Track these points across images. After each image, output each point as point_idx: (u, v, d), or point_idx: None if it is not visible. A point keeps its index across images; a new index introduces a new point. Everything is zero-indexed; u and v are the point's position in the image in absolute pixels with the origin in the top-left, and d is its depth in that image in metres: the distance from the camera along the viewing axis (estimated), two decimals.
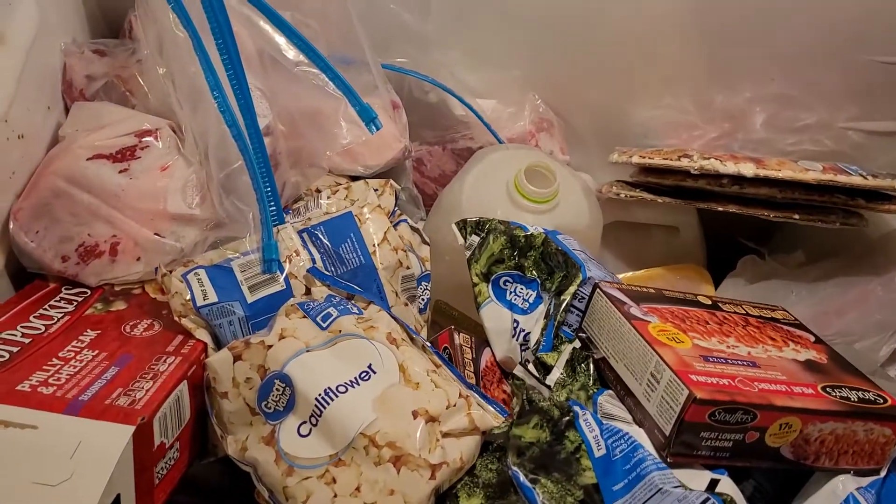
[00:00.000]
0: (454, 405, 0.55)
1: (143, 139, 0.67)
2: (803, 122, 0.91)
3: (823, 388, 0.53)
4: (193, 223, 0.68)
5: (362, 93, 0.74)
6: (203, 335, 0.61)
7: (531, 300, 0.66)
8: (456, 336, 0.69)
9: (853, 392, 0.54)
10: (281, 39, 0.70)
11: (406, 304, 0.68)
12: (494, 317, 0.68)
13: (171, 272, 0.62)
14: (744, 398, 0.49)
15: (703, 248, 0.96)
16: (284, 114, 0.73)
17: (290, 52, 0.72)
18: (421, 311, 0.71)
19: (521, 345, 0.65)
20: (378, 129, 0.71)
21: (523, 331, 0.65)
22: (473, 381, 0.66)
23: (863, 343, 0.84)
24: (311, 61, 0.71)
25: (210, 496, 0.69)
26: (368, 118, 0.71)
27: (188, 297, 0.61)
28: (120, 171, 0.65)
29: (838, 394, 0.53)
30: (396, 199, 0.73)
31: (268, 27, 0.70)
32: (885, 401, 0.55)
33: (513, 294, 0.67)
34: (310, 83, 0.72)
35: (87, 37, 0.81)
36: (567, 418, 0.50)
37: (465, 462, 0.54)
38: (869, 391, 0.55)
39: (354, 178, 0.79)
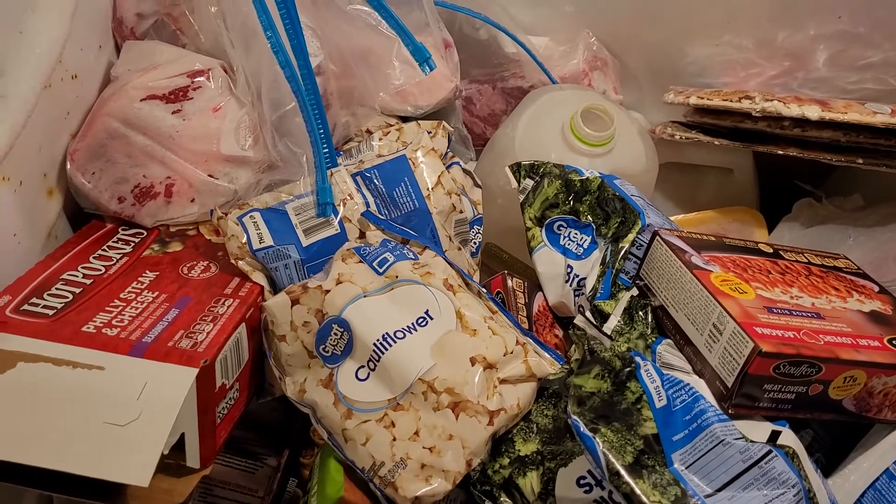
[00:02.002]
0: (511, 352, 0.55)
1: (196, 79, 0.66)
2: (867, 60, 0.87)
3: (889, 341, 0.52)
4: (246, 165, 0.67)
5: (414, 31, 0.72)
6: (259, 278, 0.62)
7: (585, 245, 0.66)
8: (509, 280, 0.69)
9: None
10: None
11: (459, 249, 0.68)
12: (548, 261, 0.67)
13: (226, 215, 0.63)
14: (809, 351, 0.49)
15: (757, 191, 0.94)
16: (336, 53, 0.71)
17: None
18: (473, 254, 0.71)
19: (575, 290, 0.65)
20: (432, 69, 0.69)
21: (577, 276, 0.65)
22: (526, 326, 0.66)
23: None
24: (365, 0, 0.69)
25: (264, 431, 0.71)
26: (422, 58, 0.69)
27: (244, 239, 0.61)
28: (173, 112, 0.65)
29: None
30: (449, 140, 0.72)
31: None
32: None
33: (567, 239, 0.67)
34: (363, 22, 0.71)
35: None
36: (629, 369, 0.50)
37: (522, 408, 0.55)
38: None
39: (404, 119, 0.77)
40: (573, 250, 0.66)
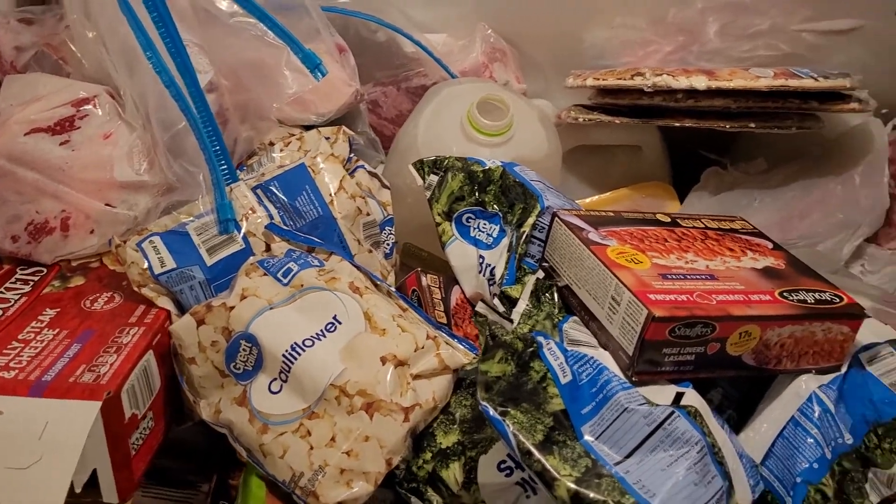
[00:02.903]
0: (422, 347, 0.55)
1: (82, 108, 0.65)
2: (757, 27, 0.90)
3: (780, 294, 0.54)
4: (144, 190, 0.66)
5: (305, 39, 0.72)
6: (165, 303, 0.61)
7: (495, 234, 0.66)
8: (423, 278, 0.69)
9: (810, 294, 0.55)
10: None
11: (370, 251, 0.68)
12: (460, 254, 0.67)
13: (124, 242, 0.61)
14: (702, 311, 0.50)
15: (668, 165, 0.96)
16: (226, 68, 0.71)
17: (224, 3, 0.69)
18: (387, 256, 0.71)
19: (489, 279, 0.65)
20: (324, 75, 0.69)
21: (489, 265, 0.65)
22: (444, 321, 0.67)
23: (826, 244, 0.85)
24: (246, 11, 0.68)
25: (195, 457, 0.70)
26: (313, 65, 0.69)
27: (145, 265, 0.60)
28: (61, 144, 0.64)
29: (795, 297, 0.54)
30: (351, 145, 0.72)
31: None
32: (842, 299, 0.56)
33: (476, 230, 0.67)
34: (248, 34, 0.70)
35: (11, 6, 0.77)
36: (531, 349, 0.51)
37: (439, 401, 0.55)
38: (826, 292, 0.56)
39: (309, 128, 0.77)
40: (483, 241, 0.67)
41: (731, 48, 0.91)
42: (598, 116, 0.80)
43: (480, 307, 0.58)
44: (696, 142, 0.97)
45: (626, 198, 0.91)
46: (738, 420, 0.59)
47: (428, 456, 0.55)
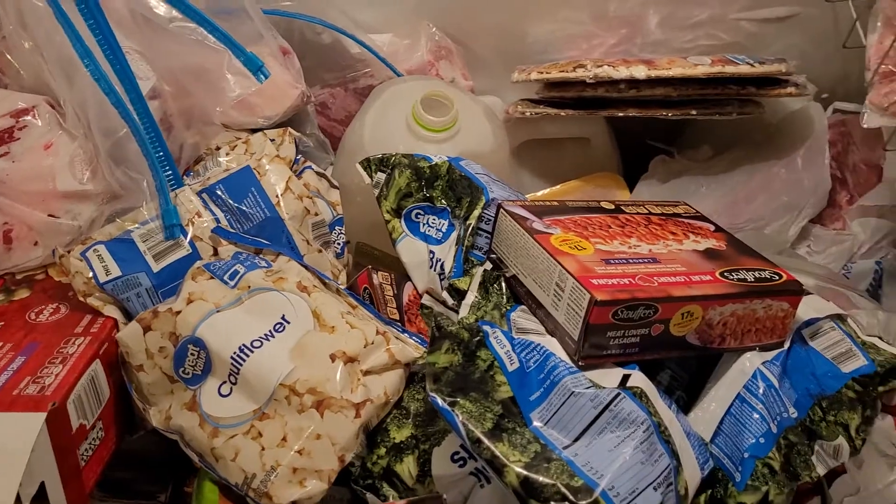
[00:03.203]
0: (372, 343, 0.55)
1: (21, 119, 0.64)
2: (696, 18, 0.92)
3: (721, 274, 0.55)
4: (87, 199, 0.66)
5: (247, 42, 0.72)
6: (112, 311, 0.60)
7: (444, 229, 0.67)
8: (374, 275, 0.69)
9: (750, 273, 0.56)
10: None
11: (320, 251, 0.68)
12: (410, 250, 0.68)
13: (69, 252, 0.61)
14: (643, 294, 0.51)
15: (617, 156, 0.97)
16: (168, 74, 0.70)
17: (162, 9, 0.69)
18: (338, 255, 0.71)
19: (439, 274, 0.66)
20: (266, 76, 0.69)
21: (439, 260, 0.66)
22: (397, 317, 0.67)
23: (772, 226, 0.87)
24: (184, 15, 0.68)
25: (152, 467, 0.69)
26: (255, 67, 0.69)
27: (90, 275, 0.59)
28: (0, 156, 0.63)
29: (735, 276, 0.55)
30: (297, 146, 0.72)
31: None
32: (781, 277, 0.57)
33: (426, 226, 0.68)
34: (189, 39, 0.70)
35: None
36: (477, 339, 0.51)
37: (391, 396, 0.55)
38: (765, 270, 0.57)
39: (256, 132, 0.77)
40: (433, 236, 0.67)
41: (672, 39, 0.93)
42: (545, 110, 0.81)
43: (426, 299, 0.59)
44: (645, 132, 0.98)
45: (577, 189, 0.92)
46: (687, 401, 0.60)
47: (382, 451, 0.55)
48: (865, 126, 0.66)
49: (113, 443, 0.58)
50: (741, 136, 0.92)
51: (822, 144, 0.87)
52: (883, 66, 0.66)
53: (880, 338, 0.63)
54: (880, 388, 0.59)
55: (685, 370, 0.60)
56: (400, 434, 0.55)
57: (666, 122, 0.89)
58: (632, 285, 0.51)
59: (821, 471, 0.56)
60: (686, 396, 0.60)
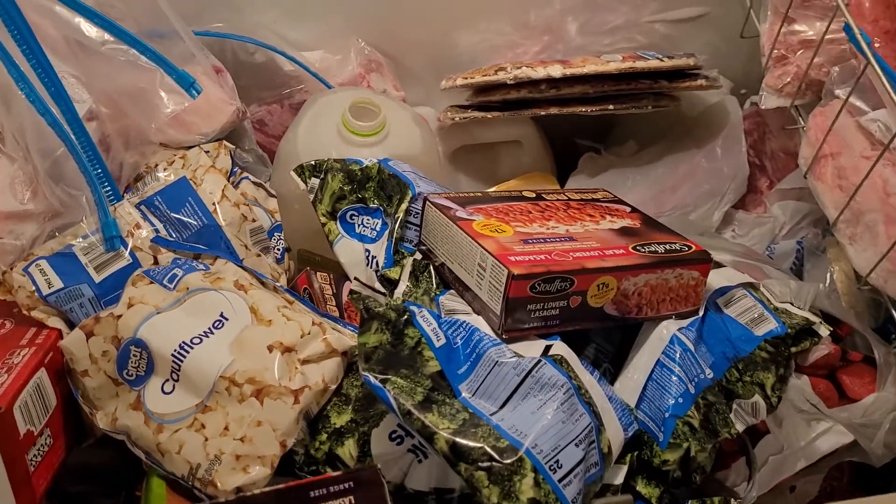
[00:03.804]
0: (308, 333, 0.58)
1: None
2: (613, 23, 0.97)
3: (634, 247, 0.59)
4: (29, 219, 0.67)
5: (180, 63, 0.75)
6: (56, 322, 0.62)
7: (378, 228, 0.70)
8: (313, 276, 0.72)
9: (661, 245, 0.60)
10: (80, 20, 0.69)
11: (259, 255, 0.70)
12: (347, 251, 0.70)
13: (11, 269, 0.62)
14: (558, 267, 0.54)
15: (550, 156, 1.02)
16: (104, 96, 0.73)
17: (94, 32, 0.71)
18: (278, 260, 0.73)
19: (376, 271, 0.69)
20: (199, 92, 0.72)
21: (374, 257, 0.69)
22: (337, 314, 0.69)
23: (697, 212, 0.91)
24: (116, 38, 0.71)
25: (102, 480, 0.70)
26: (187, 84, 0.72)
27: (32, 288, 0.61)
28: None
29: (647, 249, 0.59)
30: (233, 158, 0.75)
31: (64, 10, 0.69)
32: (690, 248, 0.61)
33: (361, 226, 0.70)
34: (121, 61, 0.72)
35: None
36: (404, 318, 0.54)
37: (329, 383, 0.58)
38: (676, 243, 0.61)
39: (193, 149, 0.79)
40: (368, 235, 0.70)
41: (592, 43, 0.98)
42: (472, 114, 0.85)
43: (355, 285, 0.61)
44: (574, 133, 1.03)
45: (512, 189, 0.96)
46: (614, 372, 0.63)
47: (324, 437, 0.57)
48: (763, 107, 0.71)
49: (62, 450, 0.60)
50: (664, 131, 0.97)
51: (739, 134, 0.93)
52: (775, 51, 0.71)
53: (792, 303, 0.67)
54: (793, 349, 0.63)
55: (610, 343, 0.64)
56: (340, 419, 0.57)
57: (594, 122, 0.94)
58: (547, 260, 0.55)
59: (739, 427, 0.60)
60: (612, 368, 0.63)
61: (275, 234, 0.73)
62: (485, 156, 0.99)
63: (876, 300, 0.73)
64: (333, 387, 0.58)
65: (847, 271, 0.75)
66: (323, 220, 0.71)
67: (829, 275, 0.84)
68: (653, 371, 0.60)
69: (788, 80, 0.71)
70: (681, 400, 0.58)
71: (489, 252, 0.55)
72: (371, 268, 0.69)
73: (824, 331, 0.65)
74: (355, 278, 0.63)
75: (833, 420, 0.63)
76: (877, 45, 0.62)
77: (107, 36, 0.71)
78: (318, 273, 0.72)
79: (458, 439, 0.48)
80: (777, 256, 0.89)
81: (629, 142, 0.98)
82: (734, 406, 0.61)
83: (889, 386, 0.67)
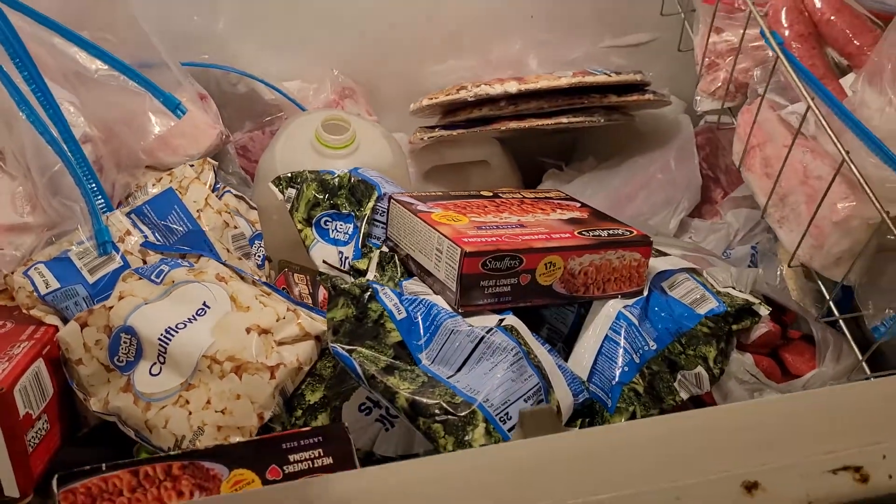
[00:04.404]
0: (283, 318, 0.63)
1: None
2: (572, 57, 1.05)
3: (579, 232, 0.65)
4: (28, 231, 0.73)
5: (167, 90, 0.82)
6: (53, 319, 0.67)
7: (350, 231, 0.75)
8: (291, 276, 0.77)
9: (604, 231, 0.66)
10: (75, 50, 0.76)
11: (241, 259, 0.76)
12: (323, 255, 0.76)
13: (12, 273, 0.68)
14: (507, 246, 0.60)
15: (517, 175, 1.08)
16: (97, 120, 0.79)
17: (87, 61, 0.78)
18: (259, 266, 0.79)
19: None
20: (184, 112, 0.78)
21: (347, 258, 0.74)
22: None
23: (654, 220, 0.98)
24: (108, 65, 0.78)
25: None
26: (173, 105, 0.78)
27: (31, 289, 0.67)
28: None
29: (591, 233, 0.65)
30: (216, 174, 0.81)
31: (61, 41, 0.76)
32: (632, 233, 0.67)
33: (334, 231, 0.76)
34: (112, 86, 0.79)
35: None
36: (368, 293, 0.59)
37: (303, 363, 0.63)
38: (619, 229, 0.67)
39: None
40: (342, 239, 0.76)
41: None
42: (439, 132, 0.92)
43: (323, 267, 0.67)
44: (539, 152, 1.10)
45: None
46: (567, 351, 0.68)
47: (299, 413, 0.62)
48: (698, 110, 0.78)
49: (57, 438, 0.64)
50: (621, 147, 1.04)
51: (691, 148, 1.00)
52: (706, 59, 0.78)
53: (734, 287, 0.73)
54: (734, 326, 0.69)
55: (564, 324, 0.69)
56: (314, 396, 0.62)
57: (557, 142, 1.02)
58: (498, 241, 0.61)
59: (684, 395, 0.65)
60: (567, 348, 0.69)
61: (255, 241, 0.79)
62: (455, 176, 1.06)
63: (821, 293, 0.78)
64: (307, 367, 0.63)
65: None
66: (299, 226, 0.77)
67: (778, 272, 0.90)
68: (602, 346, 0.65)
69: (719, 84, 0.78)
70: (626, 369, 0.63)
71: (445, 235, 0.61)
72: (345, 268, 0.75)
73: (764, 310, 0.70)
74: (324, 261, 0.69)
75: (772, 389, 0.68)
76: (795, 46, 0.69)
77: (99, 64, 0.78)
78: (296, 275, 0.77)
79: (417, 397, 0.54)
80: (733, 261, 0.95)
81: (589, 158, 1.05)
82: (678, 377, 0.66)
83: (828, 362, 0.72)
